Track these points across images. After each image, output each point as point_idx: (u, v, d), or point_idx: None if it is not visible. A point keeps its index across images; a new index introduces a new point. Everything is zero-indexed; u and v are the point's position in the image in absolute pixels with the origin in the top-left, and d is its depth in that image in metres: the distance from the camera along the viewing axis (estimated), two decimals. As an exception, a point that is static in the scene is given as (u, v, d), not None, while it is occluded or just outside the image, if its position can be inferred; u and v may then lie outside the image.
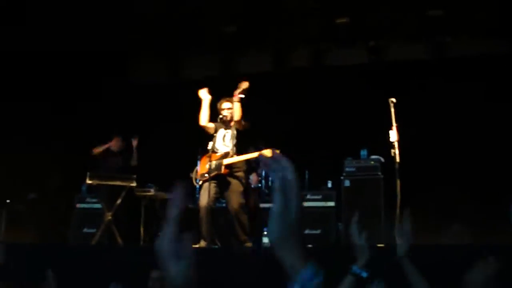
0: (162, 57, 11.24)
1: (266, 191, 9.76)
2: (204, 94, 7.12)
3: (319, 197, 8.55)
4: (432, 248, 5.98)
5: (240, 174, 6.85)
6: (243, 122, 6.91)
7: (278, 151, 6.79)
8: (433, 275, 4.81)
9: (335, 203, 8.46)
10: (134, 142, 8.92)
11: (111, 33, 10.17)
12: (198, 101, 7.29)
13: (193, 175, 6.98)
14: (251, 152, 7.87)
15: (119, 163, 8.87)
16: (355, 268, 2.98)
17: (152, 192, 8.67)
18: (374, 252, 3.06)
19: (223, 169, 6.68)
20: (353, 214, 7.72)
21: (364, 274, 3.00)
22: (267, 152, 6.80)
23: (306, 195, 8.59)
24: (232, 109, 6.93)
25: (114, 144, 9.01)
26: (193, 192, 8.53)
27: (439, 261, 5.09)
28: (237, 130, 6.95)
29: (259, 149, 9.59)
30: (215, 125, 7.00)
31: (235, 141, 6.88)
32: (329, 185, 8.84)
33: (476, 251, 5.27)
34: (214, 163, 6.66)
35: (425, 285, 2.87)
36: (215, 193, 6.78)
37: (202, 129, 7.07)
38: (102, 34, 10.11)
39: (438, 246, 6.85)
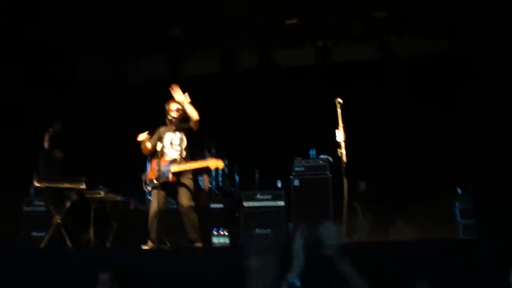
0: (109, 57, 11.13)
1: (217, 192, 9.82)
2: (142, 137, 6.96)
3: (269, 196, 8.62)
4: (377, 244, 6.11)
5: (188, 180, 6.87)
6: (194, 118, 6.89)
7: (222, 163, 6.91)
8: (378, 271, 4.98)
9: (285, 203, 8.56)
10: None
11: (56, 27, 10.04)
12: (144, 103, 7.26)
13: (143, 178, 6.97)
14: (200, 159, 7.96)
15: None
16: (290, 278, 3.07)
17: (102, 194, 8.57)
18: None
19: (171, 177, 6.71)
20: (302, 213, 7.88)
21: (298, 283, 3.09)
22: (215, 163, 6.88)
23: (256, 194, 8.67)
24: (181, 110, 6.93)
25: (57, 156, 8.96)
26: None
27: (384, 257, 5.22)
28: (190, 131, 6.94)
29: (210, 153, 9.67)
30: (161, 130, 6.96)
31: (184, 145, 6.89)
32: (279, 184, 8.94)
33: (421, 248, 5.46)
34: (162, 170, 6.68)
35: (361, 281, 2.98)
36: (165, 199, 6.83)
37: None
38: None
39: (383, 242, 7.00)
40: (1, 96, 9.52)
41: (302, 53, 10.87)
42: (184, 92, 6.99)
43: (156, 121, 7.19)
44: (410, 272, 5.00)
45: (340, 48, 10.63)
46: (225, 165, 9.73)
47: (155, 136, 6.94)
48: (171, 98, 7.03)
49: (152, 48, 11.02)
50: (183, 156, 6.83)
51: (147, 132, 6.91)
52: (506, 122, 7.70)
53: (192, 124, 6.88)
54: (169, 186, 6.75)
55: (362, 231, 9.22)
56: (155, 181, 6.71)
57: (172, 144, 6.88)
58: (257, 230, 8.51)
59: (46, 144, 8.59)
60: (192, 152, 7.03)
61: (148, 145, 6.92)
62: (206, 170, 9.61)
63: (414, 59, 10.13)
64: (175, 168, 6.71)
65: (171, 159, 6.78)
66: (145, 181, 6.91)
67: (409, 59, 10.16)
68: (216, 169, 8.39)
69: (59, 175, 8.48)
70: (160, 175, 6.62)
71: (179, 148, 6.84)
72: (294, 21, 10.33)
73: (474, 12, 8.13)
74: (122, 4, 9.53)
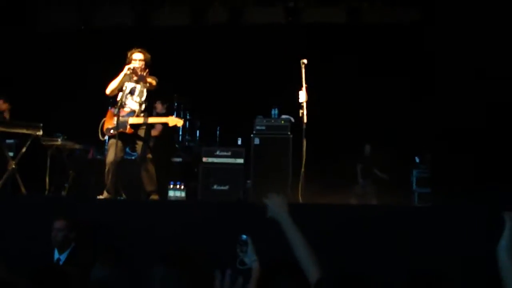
0: (74, 4, 10.88)
1: (176, 146, 9.79)
2: (128, 67, 6.76)
3: (228, 153, 8.62)
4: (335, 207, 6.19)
5: (145, 132, 6.82)
6: (153, 83, 6.80)
7: (181, 121, 6.87)
8: (333, 234, 5.06)
9: (244, 161, 8.58)
10: None
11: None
12: (110, 50, 7.10)
13: (99, 128, 6.84)
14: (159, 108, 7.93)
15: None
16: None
17: (59, 141, 8.45)
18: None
19: (128, 128, 6.61)
20: (261, 172, 7.90)
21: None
22: (174, 120, 6.82)
23: (215, 151, 8.67)
24: (143, 60, 6.80)
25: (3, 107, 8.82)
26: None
27: (341, 220, 5.28)
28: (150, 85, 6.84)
29: (170, 107, 9.61)
30: (122, 78, 6.78)
31: (144, 97, 6.79)
32: (239, 142, 8.94)
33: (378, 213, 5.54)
34: (120, 119, 6.55)
35: (300, 239, 3.03)
36: (122, 149, 6.76)
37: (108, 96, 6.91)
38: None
39: (342, 206, 7.09)
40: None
41: (272, 11, 10.79)
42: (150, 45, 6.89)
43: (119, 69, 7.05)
44: (365, 237, 5.08)
45: (310, 9, 10.58)
46: (187, 119, 9.68)
47: (120, 81, 6.79)
48: (135, 47, 6.89)
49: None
50: (142, 108, 6.74)
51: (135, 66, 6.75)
52: (467, 93, 7.81)
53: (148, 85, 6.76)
54: (126, 137, 6.68)
55: (371, 194, 9.34)
56: (111, 131, 6.61)
57: (133, 94, 6.75)
58: (215, 187, 8.54)
59: None
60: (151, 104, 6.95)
61: (114, 84, 6.75)
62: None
63: (382, 26, 10.15)
64: (133, 120, 6.63)
65: (130, 110, 6.68)
66: (101, 129, 6.80)
67: (377, 26, 10.18)
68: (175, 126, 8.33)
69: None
70: (118, 125, 6.52)
71: (138, 100, 6.73)
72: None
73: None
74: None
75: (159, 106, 9.21)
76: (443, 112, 8.41)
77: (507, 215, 3.23)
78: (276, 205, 3.18)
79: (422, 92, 9.18)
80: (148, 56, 6.88)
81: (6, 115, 8.88)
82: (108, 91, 6.79)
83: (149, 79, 6.70)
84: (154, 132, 8.24)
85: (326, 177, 8.64)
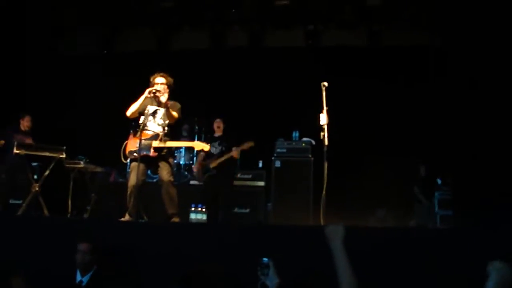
0: (97, 29, 11.04)
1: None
2: (149, 90, 6.76)
3: (249, 176, 8.68)
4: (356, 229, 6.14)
5: (169, 156, 6.86)
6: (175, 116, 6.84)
7: (208, 146, 6.95)
8: (359, 257, 5.02)
9: (265, 183, 8.59)
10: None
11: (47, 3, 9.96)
12: (132, 74, 7.15)
13: (122, 150, 6.86)
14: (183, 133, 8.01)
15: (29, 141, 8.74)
16: None
17: (81, 164, 8.54)
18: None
19: (152, 152, 6.63)
20: (282, 195, 7.91)
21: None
22: (200, 145, 6.87)
23: (237, 174, 8.70)
24: (165, 85, 6.85)
25: (24, 125, 8.93)
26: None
27: (365, 243, 5.25)
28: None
29: (192, 129, 9.68)
30: (144, 102, 6.81)
31: (167, 120, 6.80)
32: (260, 165, 8.96)
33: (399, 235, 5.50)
34: (143, 143, 6.56)
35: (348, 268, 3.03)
36: (144, 173, 6.78)
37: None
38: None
39: (365, 228, 7.04)
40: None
41: (291, 35, 10.85)
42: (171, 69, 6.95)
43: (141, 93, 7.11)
44: (386, 260, 5.04)
45: (329, 32, 10.62)
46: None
47: (142, 104, 6.85)
48: (157, 71, 6.95)
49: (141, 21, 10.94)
50: (165, 131, 6.76)
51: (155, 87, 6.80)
52: (488, 117, 7.75)
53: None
54: (149, 160, 6.70)
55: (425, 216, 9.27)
56: (134, 154, 6.64)
57: (155, 117, 6.78)
58: (236, 209, 8.55)
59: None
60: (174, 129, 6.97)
61: (141, 105, 6.82)
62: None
63: (401, 49, 10.16)
64: (156, 143, 6.65)
65: (153, 133, 6.70)
66: (124, 152, 6.82)
67: (397, 48, 10.19)
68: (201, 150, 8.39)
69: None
70: (141, 149, 6.53)
71: (161, 122, 6.75)
72: (285, 2, 10.29)
73: (452, 9, 8.22)
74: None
75: (186, 127, 9.39)
76: (465, 134, 8.35)
77: (491, 265, 3.20)
78: (332, 233, 3.20)
79: (443, 115, 9.13)
80: (170, 80, 6.92)
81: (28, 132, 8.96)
82: (128, 113, 6.82)
83: (172, 112, 6.75)
84: (235, 155, 8.35)
85: (347, 200, 8.61)
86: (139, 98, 6.78)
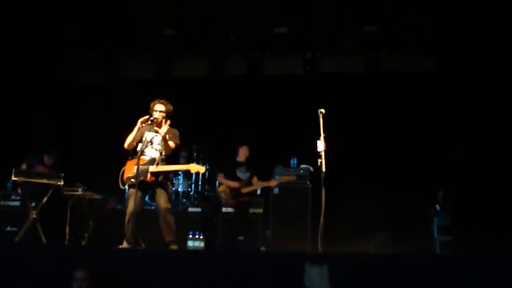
0: (98, 55, 11.10)
1: (195, 195, 9.81)
2: (142, 120, 6.79)
3: (248, 203, 8.64)
4: (354, 256, 6.11)
5: (165, 180, 6.84)
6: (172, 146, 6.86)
7: (203, 168, 6.93)
8: (355, 283, 5.01)
9: (263, 210, 8.57)
10: None
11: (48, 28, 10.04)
12: (131, 100, 7.18)
13: (119, 176, 6.86)
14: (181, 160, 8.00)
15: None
16: None
17: (79, 191, 8.53)
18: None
19: (148, 177, 6.61)
20: (280, 221, 7.91)
21: None
22: (196, 167, 6.86)
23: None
24: (164, 113, 6.88)
25: (48, 161, 8.99)
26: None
27: (362, 269, 5.23)
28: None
29: (190, 156, 9.69)
30: (142, 129, 6.83)
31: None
32: (258, 192, 8.95)
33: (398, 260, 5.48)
34: (140, 168, 6.55)
35: None
36: (142, 198, 6.77)
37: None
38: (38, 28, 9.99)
39: (360, 254, 7.00)
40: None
41: (290, 62, 10.90)
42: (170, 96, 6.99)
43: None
44: (386, 286, 5.03)
45: (327, 59, 10.68)
46: (206, 169, 9.70)
47: (138, 133, 6.86)
48: (156, 98, 6.98)
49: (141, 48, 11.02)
50: (162, 157, 6.76)
51: (148, 116, 6.81)
52: (489, 141, 7.78)
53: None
54: (146, 185, 6.69)
55: None
56: (132, 180, 6.64)
57: (153, 143, 6.80)
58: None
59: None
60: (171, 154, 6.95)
61: (135, 135, 6.81)
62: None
63: (400, 75, 10.21)
64: (153, 168, 6.66)
65: (150, 158, 6.71)
66: (122, 178, 6.81)
67: (395, 74, 10.24)
68: (197, 173, 8.37)
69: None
70: (139, 174, 6.54)
71: (159, 148, 6.76)
72: (284, 30, 10.37)
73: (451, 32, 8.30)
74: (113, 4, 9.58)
75: (184, 155, 9.40)
76: (464, 160, 8.39)
77: None
78: (316, 274, 3.19)
79: (441, 140, 9.17)
80: (170, 107, 6.95)
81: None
82: (126, 145, 6.84)
83: (169, 142, 6.76)
84: (273, 185, 8.48)
85: (345, 226, 8.58)
86: (133, 130, 6.81)
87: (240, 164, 8.56)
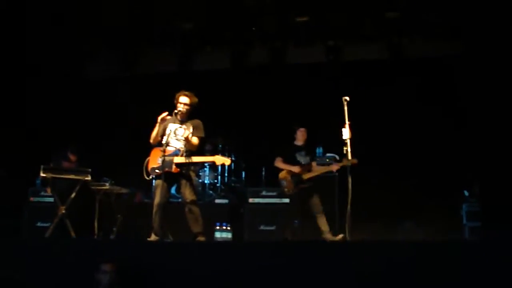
0: (119, 52, 11.15)
1: (222, 187, 9.82)
2: (163, 115, 6.81)
3: (274, 193, 8.64)
4: (384, 244, 6.09)
5: (191, 172, 6.87)
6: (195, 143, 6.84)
7: (229, 160, 6.91)
8: (385, 270, 4.98)
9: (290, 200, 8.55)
10: None
11: (67, 28, 10.10)
12: (154, 95, 7.19)
13: (144, 167, 6.88)
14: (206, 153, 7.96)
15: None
16: None
17: (107, 186, 8.62)
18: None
19: (173, 168, 6.64)
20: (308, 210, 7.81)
21: None
22: (221, 159, 6.85)
23: (261, 191, 8.68)
24: (188, 105, 6.89)
25: (71, 158, 9.06)
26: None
27: (391, 257, 5.21)
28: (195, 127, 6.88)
29: (215, 148, 9.69)
30: (166, 121, 6.87)
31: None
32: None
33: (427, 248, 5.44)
34: (165, 159, 6.58)
35: None
36: (168, 190, 6.80)
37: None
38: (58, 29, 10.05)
39: (390, 242, 6.97)
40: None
41: (312, 51, 10.83)
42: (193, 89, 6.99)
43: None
44: (416, 273, 5.00)
45: (350, 47, 10.59)
46: (232, 160, 9.70)
47: (162, 126, 6.88)
48: (180, 90, 6.99)
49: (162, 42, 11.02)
50: (187, 147, 6.77)
51: (167, 113, 6.82)
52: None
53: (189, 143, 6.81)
54: (172, 177, 6.72)
55: None
56: (156, 171, 6.67)
57: (177, 134, 6.81)
58: (262, 227, 8.53)
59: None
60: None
61: (158, 130, 6.83)
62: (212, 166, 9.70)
63: (423, 60, 10.08)
64: (178, 159, 6.68)
65: (175, 149, 6.73)
66: (146, 168, 6.84)
67: (419, 60, 10.12)
68: (223, 165, 8.36)
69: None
70: (164, 165, 6.56)
71: (183, 139, 6.78)
72: (305, 19, 10.30)
73: (479, 16, 8.14)
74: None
75: (208, 148, 9.41)
76: (489, 143, 8.26)
77: None
78: None
79: (469, 124, 9.04)
80: (195, 100, 6.96)
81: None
82: (151, 140, 6.91)
83: (192, 140, 6.77)
84: (335, 169, 7.95)
85: (373, 214, 8.54)
86: (155, 126, 6.83)
87: (299, 148, 8.09)
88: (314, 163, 7.93)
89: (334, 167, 7.83)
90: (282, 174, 7.95)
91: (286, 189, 7.92)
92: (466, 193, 8.98)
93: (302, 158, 7.95)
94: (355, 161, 7.19)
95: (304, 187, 7.78)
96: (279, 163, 8.01)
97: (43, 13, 9.65)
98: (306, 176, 7.81)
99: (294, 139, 8.13)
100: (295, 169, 7.85)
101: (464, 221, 8.83)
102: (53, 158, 8.96)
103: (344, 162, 7.34)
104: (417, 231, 9.07)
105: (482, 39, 8.26)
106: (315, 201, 7.73)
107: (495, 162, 7.62)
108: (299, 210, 7.89)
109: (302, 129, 8.08)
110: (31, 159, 8.96)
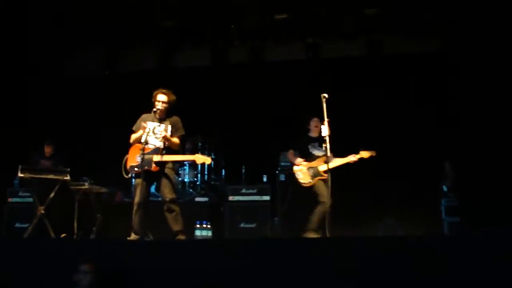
0: (98, 49, 11.07)
1: (202, 185, 9.81)
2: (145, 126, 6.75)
3: (254, 191, 8.63)
4: (364, 239, 6.13)
5: (170, 171, 6.84)
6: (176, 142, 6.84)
7: (209, 159, 6.88)
8: (366, 266, 5.02)
9: (270, 197, 8.56)
10: None
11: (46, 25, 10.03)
12: (133, 93, 7.14)
13: (122, 165, 6.83)
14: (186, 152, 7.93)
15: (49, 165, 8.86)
16: None
17: (86, 185, 8.55)
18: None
19: (153, 166, 6.61)
20: (288, 207, 7.82)
21: None
22: (202, 158, 6.83)
23: (241, 189, 8.68)
24: (167, 103, 6.86)
25: (46, 151, 9.16)
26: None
27: (370, 253, 5.24)
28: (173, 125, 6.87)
29: (195, 147, 9.66)
30: (143, 117, 6.87)
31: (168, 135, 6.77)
32: (265, 179, 8.94)
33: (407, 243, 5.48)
34: (145, 157, 6.54)
35: None
36: (147, 189, 6.76)
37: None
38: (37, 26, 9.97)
39: (370, 238, 7.01)
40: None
41: (291, 48, 10.85)
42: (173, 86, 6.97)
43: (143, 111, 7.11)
44: (396, 268, 5.04)
45: (329, 44, 10.62)
46: (212, 158, 9.68)
47: (138, 124, 6.85)
48: (160, 87, 6.94)
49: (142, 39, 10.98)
50: (166, 145, 6.74)
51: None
52: (490, 121, 7.74)
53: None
54: (151, 176, 6.68)
55: None
56: (135, 169, 6.63)
57: (155, 133, 6.77)
58: (242, 225, 8.52)
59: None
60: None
61: (140, 132, 6.78)
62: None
63: (402, 57, 10.14)
64: (157, 158, 6.64)
65: (154, 147, 6.70)
66: (125, 166, 6.80)
67: (398, 57, 10.18)
68: (203, 164, 8.35)
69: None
70: (143, 163, 6.52)
71: (161, 138, 6.74)
72: (284, 16, 10.31)
73: (463, 14, 8.20)
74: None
75: (188, 147, 9.36)
76: (468, 139, 8.35)
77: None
78: None
79: (446, 121, 9.13)
80: (173, 97, 6.91)
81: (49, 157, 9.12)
82: (131, 141, 6.89)
83: (173, 139, 6.76)
84: (352, 161, 7.69)
85: (352, 211, 8.58)
86: (137, 131, 6.81)
87: (313, 139, 7.85)
88: (331, 155, 7.43)
89: (352, 159, 7.62)
90: (297, 167, 7.73)
91: (302, 182, 7.65)
92: (445, 188, 9.05)
93: (315, 150, 7.75)
94: (373, 153, 7.26)
95: (322, 179, 7.54)
96: (289, 156, 7.90)
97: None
98: (322, 168, 7.53)
99: (308, 130, 7.93)
100: (298, 161, 7.69)
101: (443, 216, 8.90)
102: (32, 159, 8.91)
103: (362, 154, 7.43)
104: (397, 227, 9.14)
105: (462, 35, 8.35)
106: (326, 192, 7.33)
107: (473, 158, 7.71)
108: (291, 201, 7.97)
109: (315, 119, 7.79)
110: (9, 159, 8.87)
